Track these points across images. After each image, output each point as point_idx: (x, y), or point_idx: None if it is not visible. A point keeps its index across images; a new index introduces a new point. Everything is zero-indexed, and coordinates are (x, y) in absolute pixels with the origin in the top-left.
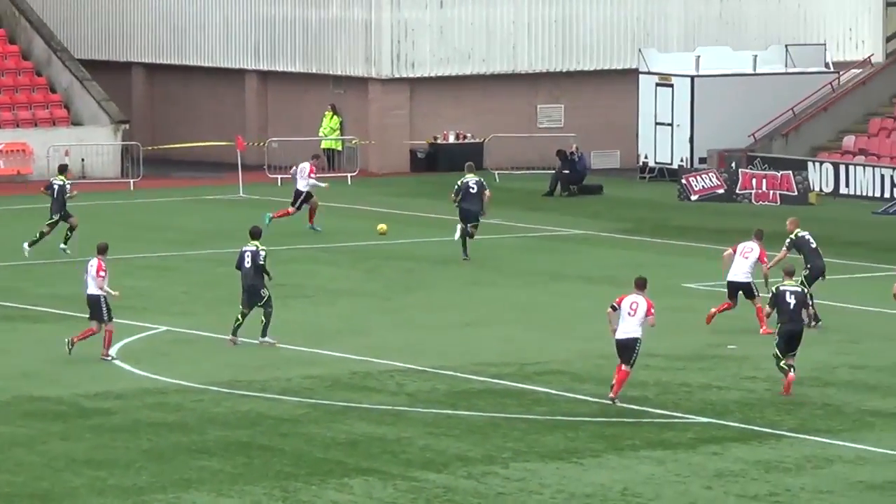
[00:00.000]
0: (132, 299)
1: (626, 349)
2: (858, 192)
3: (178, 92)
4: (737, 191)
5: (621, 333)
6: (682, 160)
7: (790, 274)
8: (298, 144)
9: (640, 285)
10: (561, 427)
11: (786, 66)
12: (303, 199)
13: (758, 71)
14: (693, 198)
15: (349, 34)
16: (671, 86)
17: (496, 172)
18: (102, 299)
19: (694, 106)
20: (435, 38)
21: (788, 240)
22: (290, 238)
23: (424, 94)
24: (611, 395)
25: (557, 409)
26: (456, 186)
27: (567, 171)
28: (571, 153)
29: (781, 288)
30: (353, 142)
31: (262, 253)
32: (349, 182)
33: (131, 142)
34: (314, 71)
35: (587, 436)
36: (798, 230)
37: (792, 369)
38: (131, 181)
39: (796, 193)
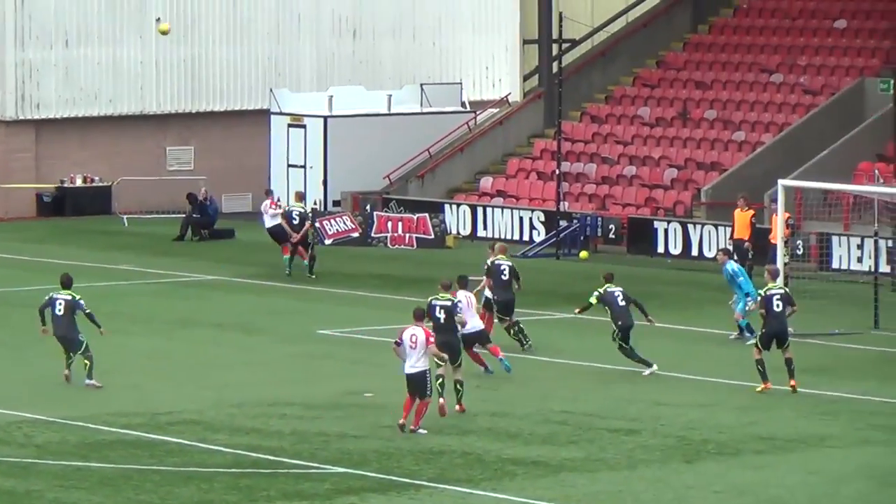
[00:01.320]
0: None
1: (417, 383)
2: (497, 235)
3: None
4: (372, 234)
5: (409, 368)
6: (315, 203)
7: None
8: None
9: (419, 316)
10: (195, 478)
11: (421, 105)
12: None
13: (392, 111)
14: (327, 241)
15: None
16: (304, 126)
17: (125, 217)
18: None
19: (327, 147)
20: (61, 78)
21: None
22: None
23: (50, 136)
24: (411, 427)
25: (191, 460)
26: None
27: (198, 215)
28: (203, 197)
29: (433, 302)
30: None
31: (83, 303)
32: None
33: None
34: None
35: (222, 487)
36: (499, 256)
37: (457, 391)
38: None
39: (433, 236)
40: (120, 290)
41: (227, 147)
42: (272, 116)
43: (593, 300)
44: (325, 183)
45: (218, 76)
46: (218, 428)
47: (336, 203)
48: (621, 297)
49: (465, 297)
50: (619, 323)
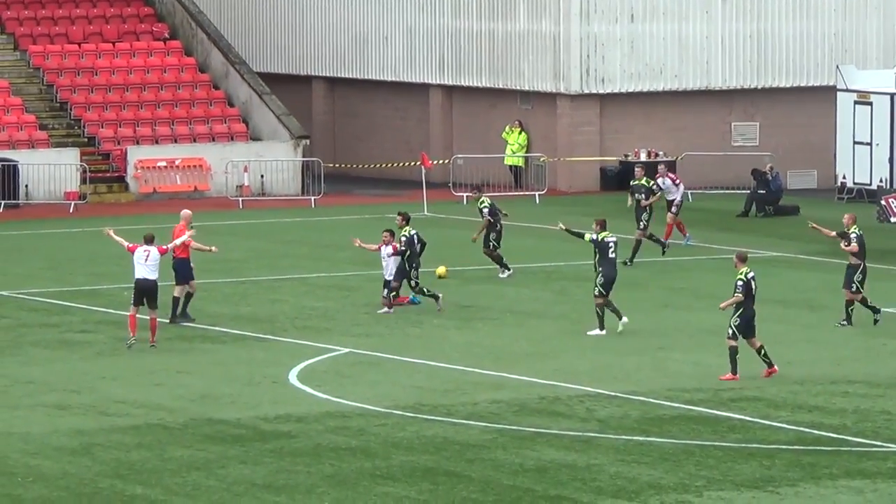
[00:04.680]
0: (314, 320)
1: None
2: None
3: (360, 107)
4: None
5: None
6: (881, 181)
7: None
8: (484, 161)
9: None
10: (756, 455)
11: None
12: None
13: None
14: (893, 220)
15: (537, 48)
16: (870, 104)
17: (689, 192)
18: None
19: (894, 125)
20: (625, 52)
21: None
22: (477, 258)
23: (614, 110)
24: None
25: (753, 437)
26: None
27: (762, 192)
28: (765, 172)
29: None
30: (542, 159)
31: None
32: (537, 201)
33: (312, 158)
34: (500, 86)
35: (783, 464)
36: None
37: None
38: (312, 198)
39: None
40: (682, 265)
41: (792, 123)
42: (838, 93)
43: None
44: (891, 161)
45: (784, 51)
46: (780, 405)
47: None
48: None
49: None
50: None
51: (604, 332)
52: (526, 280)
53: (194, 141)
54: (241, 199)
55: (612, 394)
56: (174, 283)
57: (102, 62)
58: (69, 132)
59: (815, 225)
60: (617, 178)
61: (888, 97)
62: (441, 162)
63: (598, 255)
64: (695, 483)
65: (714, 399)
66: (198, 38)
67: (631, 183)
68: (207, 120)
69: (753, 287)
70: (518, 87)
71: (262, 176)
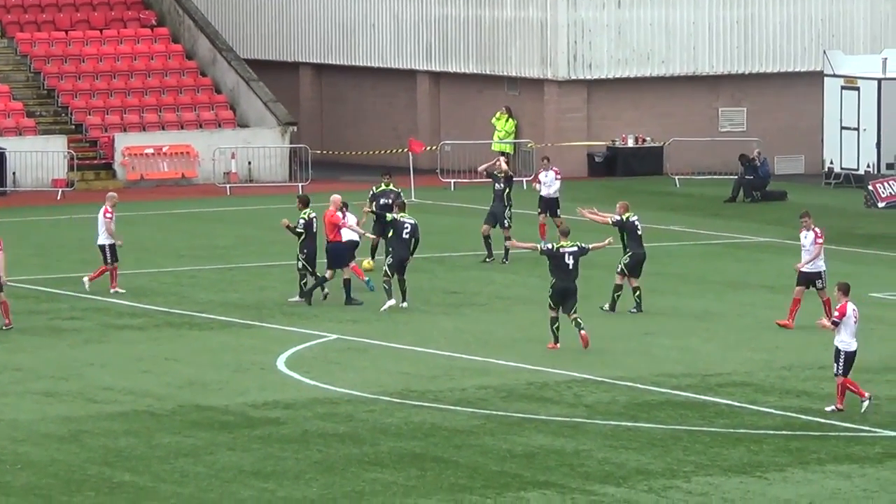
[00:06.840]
0: (302, 306)
1: None
2: None
3: (347, 93)
4: None
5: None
6: (868, 166)
7: (566, 234)
8: (472, 147)
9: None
10: (744, 440)
11: None
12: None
13: None
14: (880, 205)
15: (524, 34)
16: (857, 89)
17: (676, 178)
18: None
19: (881, 110)
20: (613, 38)
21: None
22: (465, 244)
23: (602, 96)
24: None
25: (740, 422)
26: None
27: (750, 177)
28: (753, 158)
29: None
30: (529, 145)
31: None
32: (525, 186)
33: (299, 144)
34: (488, 72)
35: (771, 449)
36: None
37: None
38: (300, 185)
39: None
40: (670, 251)
41: (779, 108)
42: (825, 78)
43: None
44: (878, 146)
45: (771, 37)
46: (768, 390)
47: (889, 166)
48: None
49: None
50: None
51: (393, 301)
52: (513, 266)
53: (182, 128)
54: (228, 185)
55: (600, 379)
56: (326, 266)
57: (90, 49)
58: (56, 119)
59: (587, 212)
60: (604, 164)
61: (875, 82)
62: (429, 148)
63: (392, 235)
64: (683, 468)
65: (701, 384)
66: (185, 25)
67: (495, 173)
68: (195, 107)
69: (569, 263)
70: (505, 74)
71: (249, 163)
